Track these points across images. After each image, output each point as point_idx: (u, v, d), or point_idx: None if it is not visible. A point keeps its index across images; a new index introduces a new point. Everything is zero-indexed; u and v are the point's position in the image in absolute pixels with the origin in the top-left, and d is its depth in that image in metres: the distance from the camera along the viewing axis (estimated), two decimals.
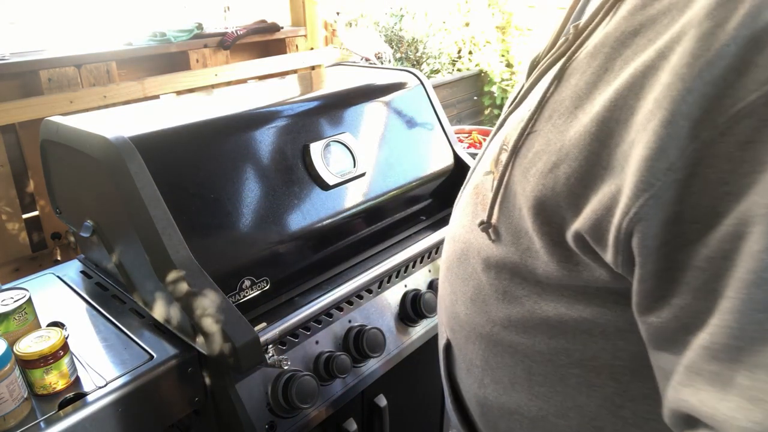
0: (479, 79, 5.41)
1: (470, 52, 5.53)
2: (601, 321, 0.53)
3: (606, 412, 0.57)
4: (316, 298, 1.11)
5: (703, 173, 0.38)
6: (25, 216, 1.76)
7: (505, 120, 0.65)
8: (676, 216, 0.39)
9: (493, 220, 0.58)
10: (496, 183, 0.57)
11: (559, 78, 0.52)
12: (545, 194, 0.50)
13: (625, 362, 0.54)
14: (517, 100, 0.63)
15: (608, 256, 0.46)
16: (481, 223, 0.59)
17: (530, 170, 0.52)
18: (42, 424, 0.83)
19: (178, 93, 2.02)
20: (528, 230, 0.54)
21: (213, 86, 2.11)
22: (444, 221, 1.46)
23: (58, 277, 1.26)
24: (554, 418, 0.62)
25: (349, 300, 1.19)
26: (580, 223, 0.47)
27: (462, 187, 0.75)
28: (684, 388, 0.41)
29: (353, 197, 1.27)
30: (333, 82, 1.54)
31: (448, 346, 0.74)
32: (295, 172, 1.18)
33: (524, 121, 0.54)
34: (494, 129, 0.68)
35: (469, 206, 0.66)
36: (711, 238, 0.38)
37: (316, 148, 1.22)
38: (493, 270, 0.60)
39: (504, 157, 0.57)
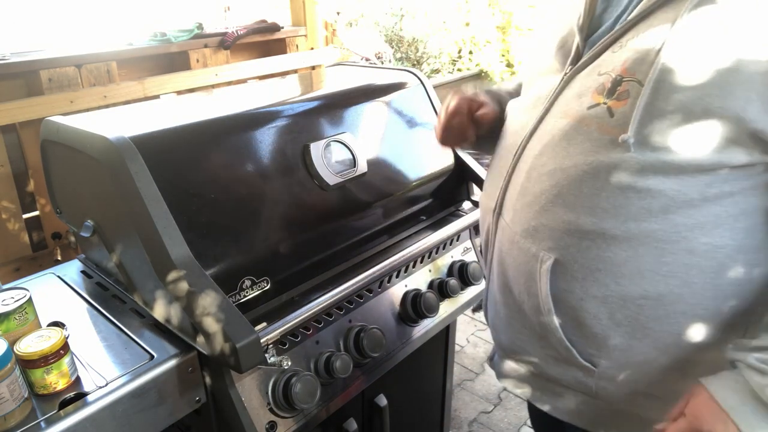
0: (479, 79, 5.41)
1: (470, 52, 5.53)
2: (732, 190, 0.74)
3: (724, 269, 0.77)
4: (316, 298, 1.11)
5: None
6: (25, 216, 1.76)
7: (573, 76, 0.85)
8: None
9: (635, 135, 0.75)
10: (637, 105, 0.74)
11: (687, 23, 0.71)
12: (706, 99, 0.69)
13: (741, 222, 0.75)
14: (584, 60, 0.84)
15: None
16: (625, 139, 0.76)
17: (684, 87, 0.70)
18: (42, 424, 0.83)
19: (179, 93, 2.02)
20: (681, 132, 0.72)
21: (213, 86, 2.11)
22: (444, 221, 1.47)
23: (59, 277, 1.26)
24: (679, 289, 0.79)
25: (349, 300, 1.19)
26: (749, 109, 0.67)
27: (525, 135, 0.91)
28: None
29: (353, 197, 1.26)
30: (333, 82, 1.55)
31: (555, 265, 0.87)
32: (295, 172, 1.18)
33: (658, 56, 0.73)
34: (553, 86, 0.88)
35: (577, 137, 0.82)
36: None
37: (316, 148, 1.22)
38: (636, 175, 0.77)
39: (634, 86, 0.75)
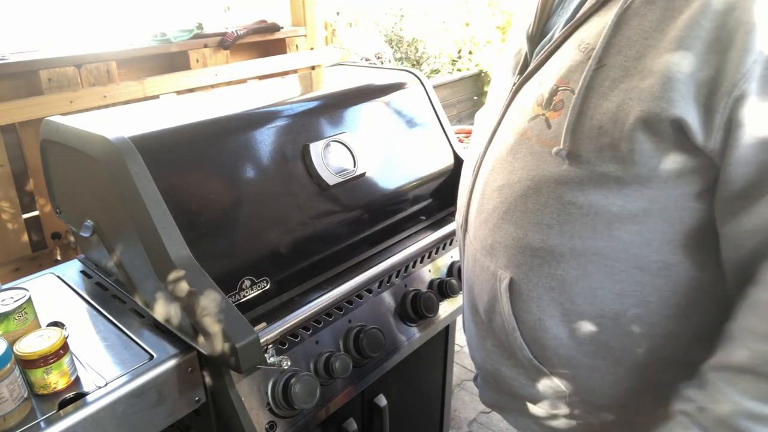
0: (479, 79, 5.40)
1: (470, 52, 5.53)
2: (677, 204, 0.70)
3: (681, 288, 0.74)
4: (316, 298, 1.11)
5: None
6: (25, 216, 1.76)
7: (520, 86, 0.82)
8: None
9: (568, 146, 0.73)
10: (568, 115, 0.72)
11: (616, 24, 0.69)
12: (631, 102, 0.67)
13: (693, 239, 0.71)
14: (530, 69, 0.81)
15: (709, 132, 0.64)
16: (558, 151, 0.73)
17: (612, 92, 0.69)
18: (42, 424, 0.83)
19: (178, 93, 2.02)
20: (613, 140, 0.69)
21: (213, 86, 2.11)
22: (444, 221, 1.47)
23: (58, 277, 1.26)
24: (635, 308, 0.76)
25: (349, 300, 1.19)
26: (678, 111, 0.64)
27: (482, 150, 0.89)
28: None
29: (353, 197, 1.26)
30: (333, 82, 1.55)
31: (511, 284, 0.84)
32: (295, 172, 1.18)
33: (590, 62, 0.71)
34: (504, 98, 0.85)
35: (520, 150, 0.80)
36: None
37: (316, 148, 1.22)
38: (576, 190, 0.74)
39: (567, 96, 0.73)
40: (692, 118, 0.64)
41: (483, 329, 0.94)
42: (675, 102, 0.64)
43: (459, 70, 5.51)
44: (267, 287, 1.09)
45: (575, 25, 0.76)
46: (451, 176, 1.50)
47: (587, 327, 0.79)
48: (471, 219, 0.92)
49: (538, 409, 0.92)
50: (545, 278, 0.80)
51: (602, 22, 0.72)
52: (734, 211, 0.66)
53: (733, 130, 0.63)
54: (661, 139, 0.67)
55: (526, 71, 0.83)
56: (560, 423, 0.91)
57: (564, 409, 0.88)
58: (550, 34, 0.82)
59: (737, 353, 0.65)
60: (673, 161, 0.68)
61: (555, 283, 0.79)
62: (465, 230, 0.95)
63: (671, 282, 0.74)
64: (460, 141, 2.53)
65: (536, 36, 0.85)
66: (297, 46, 2.46)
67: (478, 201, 0.89)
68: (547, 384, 0.87)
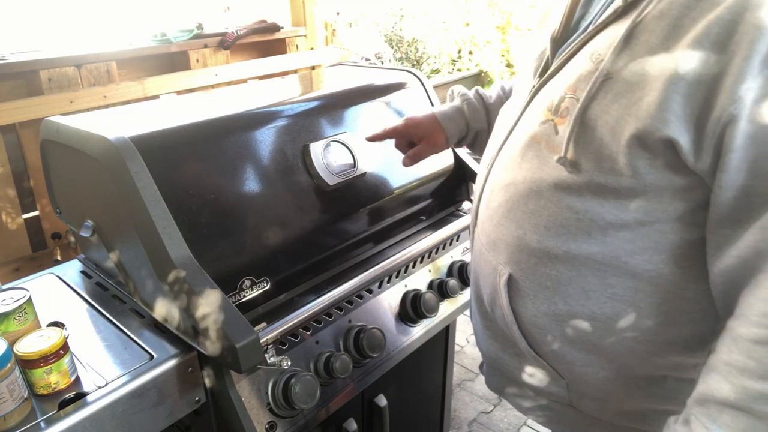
0: (479, 79, 5.40)
1: (470, 52, 5.53)
2: (670, 217, 0.71)
3: (672, 296, 0.75)
4: (316, 298, 1.11)
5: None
6: (25, 216, 1.76)
7: (539, 88, 0.83)
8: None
9: (569, 155, 0.74)
10: (571, 124, 0.73)
11: (626, 38, 0.69)
12: (628, 118, 0.67)
13: (686, 250, 0.72)
14: (549, 73, 0.81)
15: (699, 154, 0.65)
16: (560, 158, 0.75)
17: (613, 105, 0.70)
18: (42, 424, 0.83)
19: (178, 93, 2.02)
20: (611, 153, 0.70)
21: (213, 86, 2.11)
22: (444, 221, 1.47)
23: (58, 277, 1.26)
24: (626, 312, 0.77)
25: (349, 300, 1.19)
26: (670, 131, 0.64)
27: (498, 145, 0.91)
28: None
29: (353, 197, 1.26)
30: (333, 82, 1.54)
31: (510, 279, 0.86)
32: (295, 172, 1.18)
33: (597, 74, 0.71)
34: (524, 98, 0.86)
35: (528, 152, 0.82)
36: None
37: (316, 148, 1.22)
38: (574, 196, 0.76)
39: (572, 104, 0.73)
40: (684, 139, 0.65)
41: (487, 319, 0.97)
42: (668, 122, 0.65)
43: (459, 70, 5.51)
44: (267, 287, 1.09)
45: (591, 33, 0.76)
46: (451, 177, 1.50)
47: (580, 327, 0.81)
48: (480, 212, 0.95)
49: (539, 396, 0.95)
50: (540, 277, 0.82)
51: (615, 34, 0.71)
52: (722, 236, 0.67)
53: (723, 155, 0.63)
54: (654, 157, 0.68)
55: (545, 74, 0.83)
56: (561, 408, 0.93)
57: (563, 397, 0.91)
58: (574, 36, 0.82)
59: (720, 387, 0.64)
60: (667, 178, 0.69)
61: (550, 283, 0.82)
62: (475, 223, 0.98)
63: (663, 290, 0.75)
64: None
65: (560, 39, 0.85)
66: (297, 46, 2.46)
67: (487, 196, 0.92)
68: (547, 374, 0.90)
